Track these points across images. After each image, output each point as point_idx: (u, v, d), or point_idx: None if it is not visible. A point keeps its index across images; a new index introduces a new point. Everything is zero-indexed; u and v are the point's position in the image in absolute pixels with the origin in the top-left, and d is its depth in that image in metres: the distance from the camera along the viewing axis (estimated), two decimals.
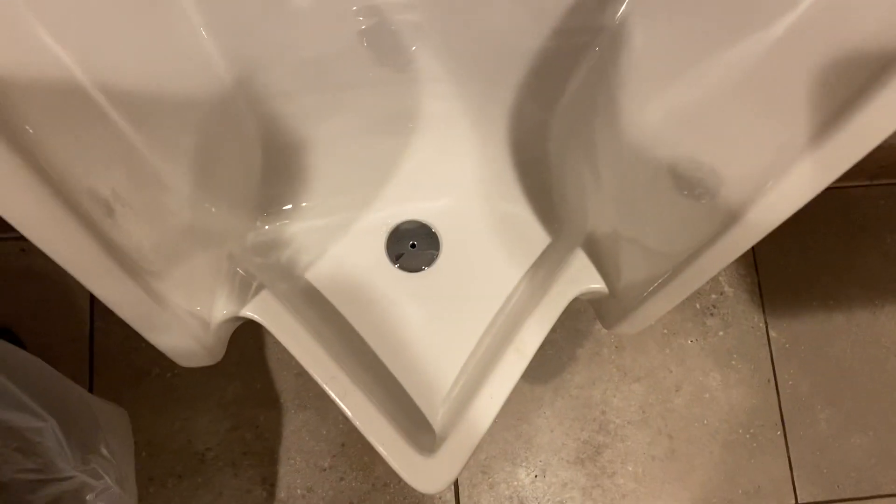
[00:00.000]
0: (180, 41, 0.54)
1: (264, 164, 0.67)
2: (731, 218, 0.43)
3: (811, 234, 1.12)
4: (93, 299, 0.99)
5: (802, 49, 0.39)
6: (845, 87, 0.35)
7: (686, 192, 0.49)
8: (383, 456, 0.54)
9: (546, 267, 0.67)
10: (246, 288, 0.58)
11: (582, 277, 0.60)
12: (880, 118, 0.34)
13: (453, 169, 0.72)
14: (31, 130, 0.36)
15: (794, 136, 0.38)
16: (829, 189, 1.18)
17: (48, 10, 0.40)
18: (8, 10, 0.38)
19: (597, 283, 0.60)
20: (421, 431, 0.60)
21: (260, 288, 0.58)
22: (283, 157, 0.68)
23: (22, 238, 1.02)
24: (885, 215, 1.14)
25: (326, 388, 0.55)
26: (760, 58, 0.42)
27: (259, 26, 0.55)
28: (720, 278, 1.09)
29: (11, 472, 0.61)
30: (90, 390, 0.95)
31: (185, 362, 0.54)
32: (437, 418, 0.62)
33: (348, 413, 0.55)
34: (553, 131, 0.68)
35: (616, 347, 1.05)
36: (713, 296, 1.08)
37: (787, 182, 0.39)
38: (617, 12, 0.54)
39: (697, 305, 1.08)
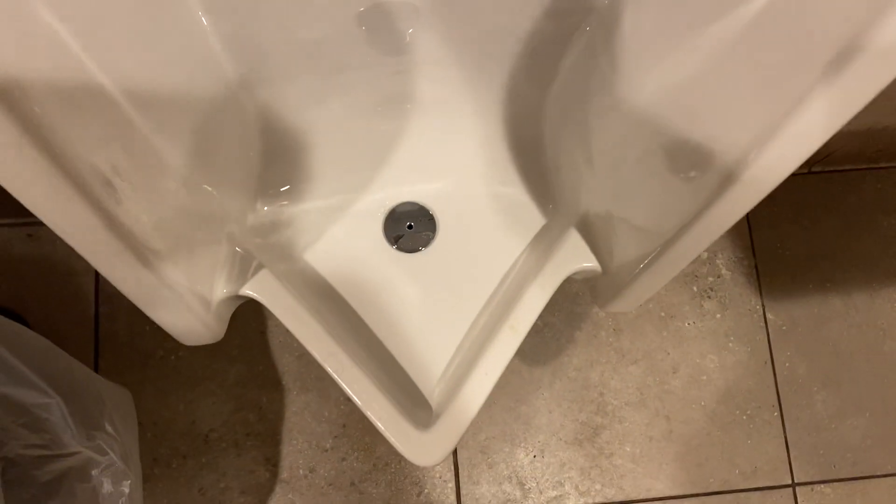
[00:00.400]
0: (180, 26, 0.55)
1: (263, 146, 0.68)
2: (718, 192, 0.44)
3: (809, 218, 1.13)
4: (97, 284, 1.01)
5: (782, 20, 0.40)
6: (824, 55, 0.36)
7: (676, 169, 0.50)
8: (380, 430, 0.56)
9: (541, 247, 0.68)
10: (246, 267, 0.60)
11: (575, 256, 0.61)
12: (862, 82, 0.35)
13: (450, 151, 0.73)
14: (39, 111, 0.37)
15: (777, 108, 0.39)
16: (827, 172, 1.19)
17: None
18: None
19: (590, 262, 0.61)
20: (417, 407, 0.61)
21: (259, 268, 0.59)
22: (282, 140, 0.69)
23: (28, 224, 1.04)
24: (882, 199, 1.15)
25: (325, 364, 0.57)
26: (743, 30, 0.42)
27: (256, 9, 0.56)
28: (718, 261, 1.10)
29: (18, 448, 0.63)
30: (95, 372, 0.97)
31: (186, 340, 0.55)
32: (433, 395, 0.63)
33: (346, 388, 0.56)
34: (548, 113, 0.69)
35: (614, 330, 1.06)
36: (710, 279, 1.09)
37: (770, 153, 0.40)
38: None
39: (695, 288, 1.09)
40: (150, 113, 0.50)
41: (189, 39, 0.55)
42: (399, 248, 0.71)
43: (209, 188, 0.60)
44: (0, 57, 0.36)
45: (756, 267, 1.10)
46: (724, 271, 1.10)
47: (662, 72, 0.50)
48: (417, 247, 0.72)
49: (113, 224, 0.42)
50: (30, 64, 0.39)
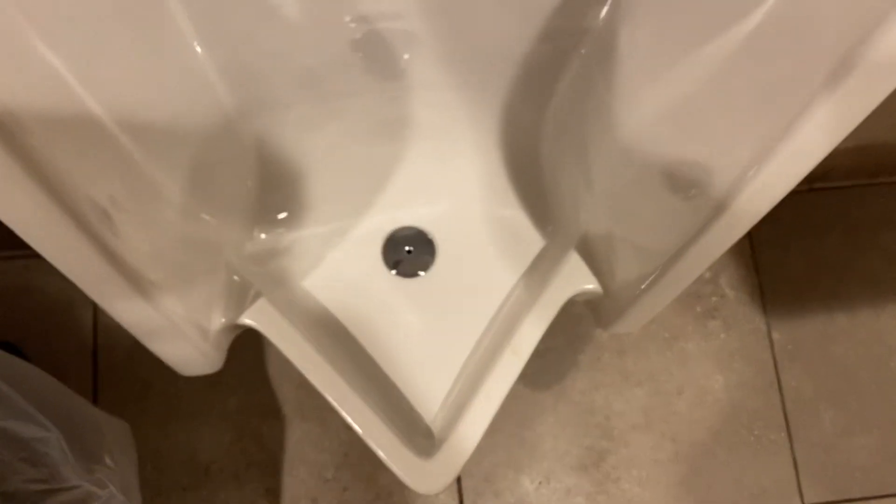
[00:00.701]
0: (176, 56, 0.55)
1: (260, 173, 0.68)
2: (718, 211, 0.44)
3: (811, 235, 1.13)
4: (96, 316, 1.00)
5: (776, 38, 0.40)
6: (819, 71, 0.36)
7: (675, 188, 0.50)
8: (382, 459, 0.55)
9: (541, 269, 0.68)
10: (244, 296, 0.59)
11: (576, 278, 0.61)
12: (859, 97, 0.35)
13: (448, 174, 0.73)
14: (35, 144, 0.37)
15: (774, 125, 0.39)
16: (828, 189, 1.19)
17: (51, 29, 0.41)
18: (12, 30, 0.39)
19: (591, 284, 0.60)
20: (419, 435, 0.61)
21: (258, 296, 0.59)
22: (279, 167, 0.69)
23: (25, 256, 1.04)
24: (884, 214, 1.14)
25: (324, 393, 0.56)
26: (737, 49, 0.43)
27: (251, 38, 0.56)
28: (720, 281, 1.09)
29: (18, 482, 0.62)
30: (94, 404, 0.96)
31: (185, 370, 0.55)
32: (435, 421, 0.63)
33: (346, 417, 0.56)
34: (545, 134, 0.69)
35: (617, 352, 1.05)
36: (714, 298, 1.09)
37: (768, 170, 0.40)
38: (600, 14, 0.55)
39: (698, 308, 1.08)
40: (147, 143, 0.50)
41: (185, 69, 0.56)
42: (398, 273, 0.71)
43: (207, 217, 0.60)
44: None
45: (760, 286, 1.10)
46: (727, 291, 1.09)
47: (658, 91, 0.50)
48: (417, 271, 0.71)
49: (110, 255, 0.42)
50: (27, 96, 0.39)
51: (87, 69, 0.44)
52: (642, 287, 0.53)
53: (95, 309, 1.00)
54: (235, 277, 0.60)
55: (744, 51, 0.42)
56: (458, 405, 0.59)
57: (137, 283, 0.45)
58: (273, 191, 0.70)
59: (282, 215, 0.71)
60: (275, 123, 0.65)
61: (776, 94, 0.40)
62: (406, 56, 0.62)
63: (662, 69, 0.49)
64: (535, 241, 0.72)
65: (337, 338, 0.67)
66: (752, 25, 0.41)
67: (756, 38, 0.41)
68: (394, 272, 0.71)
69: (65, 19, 0.43)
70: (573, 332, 1.05)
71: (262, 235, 0.70)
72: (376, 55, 0.61)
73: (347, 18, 0.56)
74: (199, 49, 0.55)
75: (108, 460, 0.69)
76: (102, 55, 0.47)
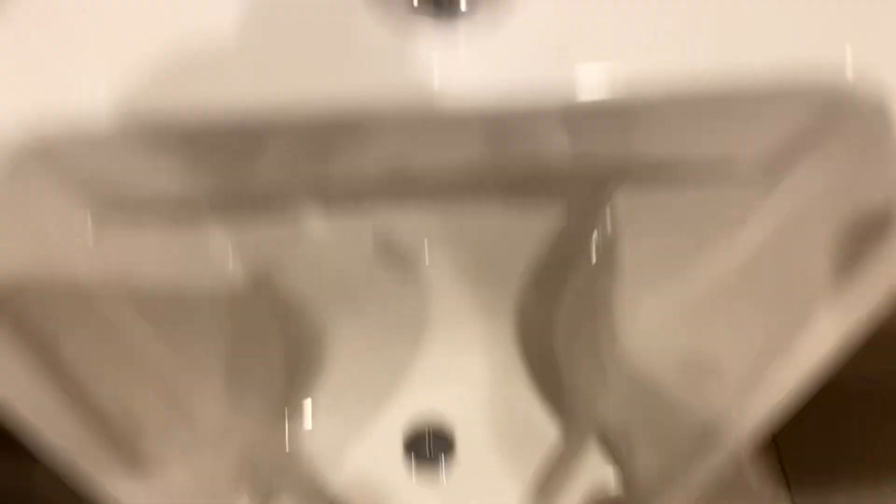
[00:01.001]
0: (210, 271, 0.58)
1: (285, 370, 0.70)
2: (734, 402, 0.45)
3: (832, 418, 1.10)
4: None
5: (772, 249, 0.43)
6: (817, 284, 0.39)
7: (689, 382, 0.52)
8: None
9: (561, 460, 0.67)
10: (267, 497, 0.59)
11: (594, 470, 0.61)
12: (857, 306, 0.37)
13: (465, 366, 0.74)
14: (78, 366, 0.40)
15: (777, 327, 0.41)
16: (846, 376, 1.16)
17: (91, 231, 0.44)
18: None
19: (610, 476, 0.60)
20: None
21: (280, 495, 0.59)
22: (303, 363, 0.71)
23: (31, 463, 1.00)
24: None
25: None
26: (735, 261, 0.46)
27: (281, 254, 0.60)
28: (742, 462, 1.07)
29: None
30: None
31: None
32: None
33: None
34: (558, 327, 0.71)
35: None
36: (736, 477, 1.06)
37: (777, 365, 0.41)
38: (606, 230, 0.59)
39: (720, 487, 1.05)
40: (179, 349, 0.53)
41: (218, 282, 0.59)
42: (418, 465, 0.71)
43: (234, 416, 0.61)
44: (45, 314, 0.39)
45: (783, 468, 1.07)
46: (749, 470, 1.06)
47: (665, 296, 0.52)
48: (437, 465, 0.71)
49: (140, 470, 0.43)
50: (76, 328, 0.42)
51: (125, 275, 0.47)
52: (663, 482, 0.53)
53: None
54: (260, 478, 0.60)
55: (741, 262, 0.45)
56: None
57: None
58: (296, 386, 0.72)
59: (305, 406, 0.72)
60: (300, 324, 0.68)
61: (777, 297, 0.43)
62: (424, 258, 0.66)
63: (666, 276, 0.52)
64: (552, 431, 0.72)
65: None
66: (753, 244, 0.44)
67: (755, 253, 0.45)
68: (413, 464, 0.71)
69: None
70: None
71: (286, 430, 0.71)
72: (395, 259, 0.65)
73: (370, 233, 0.61)
74: (231, 262, 0.59)
75: None
76: (144, 271, 0.50)
